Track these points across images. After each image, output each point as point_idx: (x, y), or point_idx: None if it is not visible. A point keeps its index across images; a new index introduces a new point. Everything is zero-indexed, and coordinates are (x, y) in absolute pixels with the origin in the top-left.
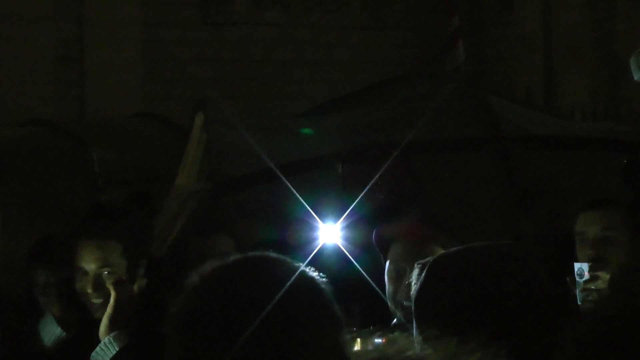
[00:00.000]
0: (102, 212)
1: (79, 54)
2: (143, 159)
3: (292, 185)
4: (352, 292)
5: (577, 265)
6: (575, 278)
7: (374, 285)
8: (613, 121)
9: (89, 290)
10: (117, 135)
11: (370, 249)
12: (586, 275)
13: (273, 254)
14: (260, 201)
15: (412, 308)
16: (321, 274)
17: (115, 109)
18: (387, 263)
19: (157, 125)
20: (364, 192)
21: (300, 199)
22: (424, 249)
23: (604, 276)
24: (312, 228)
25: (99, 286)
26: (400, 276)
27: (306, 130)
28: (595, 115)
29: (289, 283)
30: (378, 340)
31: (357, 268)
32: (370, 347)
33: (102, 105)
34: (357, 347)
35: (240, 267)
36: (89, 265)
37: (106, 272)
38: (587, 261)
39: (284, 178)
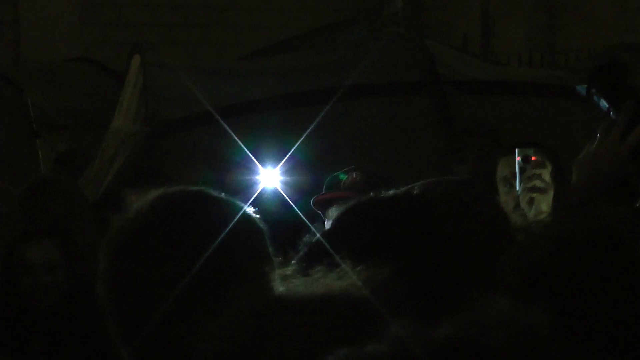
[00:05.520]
0: None
1: None
2: (79, 104)
3: (231, 129)
4: (290, 235)
5: (521, 152)
6: (519, 164)
7: (312, 227)
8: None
9: None
10: (53, 79)
11: (309, 193)
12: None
13: (212, 191)
14: (198, 144)
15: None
16: (258, 216)
17: (50, 52)
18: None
19: (93, 69)
20: (303, 137)
21: (240, 142)
22: None
23: (545, 175)
24: (252, 172)
25: None
26: None
27: None
28: (531, 64)
29: (220, 220)
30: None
31: (296, 212)
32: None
33: (38, 49)
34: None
35: (175, 205)
36: None
37: None
38: (515, 203)
39: (222, 122)
